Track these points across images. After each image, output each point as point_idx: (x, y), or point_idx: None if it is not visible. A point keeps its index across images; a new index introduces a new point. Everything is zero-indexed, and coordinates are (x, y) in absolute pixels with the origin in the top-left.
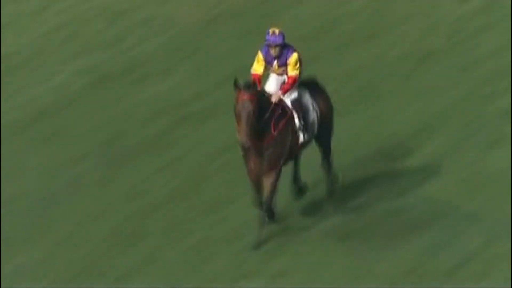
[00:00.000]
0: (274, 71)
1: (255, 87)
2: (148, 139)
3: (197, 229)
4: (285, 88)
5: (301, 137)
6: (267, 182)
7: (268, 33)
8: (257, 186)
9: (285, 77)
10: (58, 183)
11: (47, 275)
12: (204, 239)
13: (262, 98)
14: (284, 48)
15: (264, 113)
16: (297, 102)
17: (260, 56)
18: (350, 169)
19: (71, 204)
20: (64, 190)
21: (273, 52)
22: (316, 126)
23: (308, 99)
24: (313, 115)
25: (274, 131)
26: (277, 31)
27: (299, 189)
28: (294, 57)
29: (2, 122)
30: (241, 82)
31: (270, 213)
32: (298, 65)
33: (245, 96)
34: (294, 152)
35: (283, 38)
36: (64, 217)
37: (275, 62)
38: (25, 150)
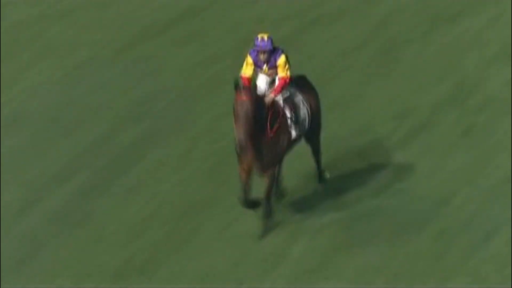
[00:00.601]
0: (263, 73)
1: (253, 88)
2: (280, 41)
3: None
4: (277, 89)
5: (293, 134)
6: (265, 181)
7: (257, 39)
8: (247, 186)
9: (273, 77)
10: (197, 81)
11: (187, 166)
12: None
13: (259, 99)
14: (272, 52)
15: (261, 114)
16: (288, 100)
17: (249, 59)
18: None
19: (210, 101)
20: (203, 88)
21: (262, 57)
22: (307, 122)
23: (298, 96)
24: (303, 112)
25: (270, 132)
26: (265, 37)
27: (279, 193)
28: (282, 59)
29: (144, 23)
30: (240, 85)
31: (268, 210)
32: (287, 66)
33: (244, 97)
34: (287, 149)
35: (272, 44)
36: (203, 112)
37: (264, 66)
38: (165, 50)
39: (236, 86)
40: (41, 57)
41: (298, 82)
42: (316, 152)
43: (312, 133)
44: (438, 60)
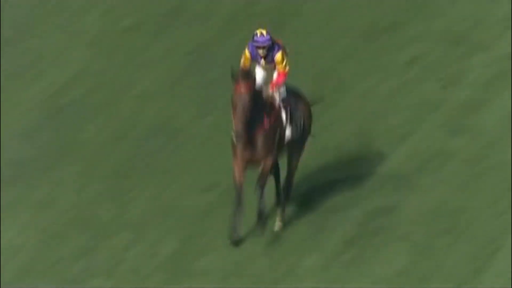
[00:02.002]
0: (261, 67)
1: (251, 77)
2: None
3: None
4: (275, 82)
5: (288, 133)
6: (263, 166)
7: (256, 34)
8: (240, 186)
9: (270, 72)
10: None
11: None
12: None
13: (257, 92)
14: (271, 47)
15: (258, 105)
16: (285, 99)
17: (247, 53)
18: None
19: None
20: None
21: (261, 52)
22: (299, 126)
23: (292, 100)
24: (298, 114)
25: (265, 124)
26: (264, 32)
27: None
28: (279, 55)
29: None
30: (239, 74)
31: (262, 204)
32: (285, 61)
33: (242, 86)
34: (281, 147)
35: (271, 39)
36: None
37: (262, 60)
38: None
39: (234, 76)
40: None
41: (292, 91)
42: (291, 173)
43: (299, 141)
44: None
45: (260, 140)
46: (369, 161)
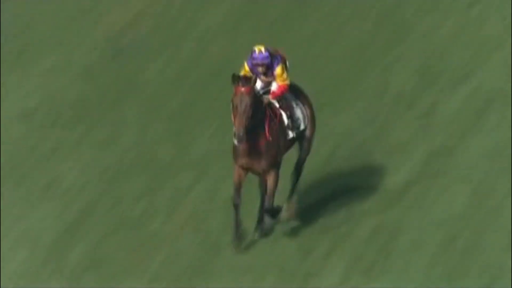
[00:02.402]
0: (261, 79)
1: (251, 80)
2: None
3: None
4: (276, 93)
5: (290, 134)
6: (269, 181)
7: (255, 51)
8: (239, 187)
9: (269, 86)
10: None
11: None
12: None
13: (257, 93)
14: (270, 64)
15: (258, 110)
16: (284, 101)
17: (246, 68)
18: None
19: None
20: None
21: (260, 70)
22: (301, 121)
23: (292, 99)
24: (298, 112)
25: (268, 132)
26: (263, 49)
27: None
28: (278, 70)
29: None
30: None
31: (274, 212)
32: (285, 75)
33: (242, 89)
34: (284, 150)
35: (269, 56)
36: None
37: (262, 76)
38: None
39: (234, 79)
40: None
41: (291, 89)
42: (302, 161)
43: (304, 135)
44: None
45: (263, 151)
46: (431, 101)
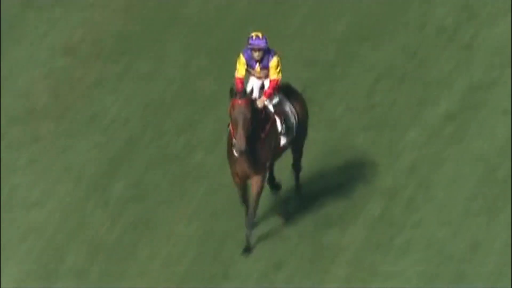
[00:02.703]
0: (255, 74)
1: (248, 93)
2: None
3: None
4: (268, 92)
5: (283, 141)
6: (255, 185)
7: (252, 37)
8: (242, 188)
9: (263, 80)
10: None
11: None
12: None
13: (253, 102)
14: (266, 52)
15: (256, 118)
16: (279, 107)
17: (242, 59)
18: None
19: None
20: None
21: (257, 55)
22: (294, 129)
23: (287, 104)
24: (292, 119)
25: (262, 135)
26: (260, 35)
27: (275, 185)
28: (274, 61)
29: None
30: (235, 90)
31: (252, 219)
32: (279, 68)
33: (240, 102)
34: (276, 156)
35: (267, 42)
36: None
37: (257, 66)
38: None
39: (231, 92)
40: None
41: (285, 90)
42: (298, 157)
43: (297, 139)
44: None
45: (256, 152)
46: (472, 34)
